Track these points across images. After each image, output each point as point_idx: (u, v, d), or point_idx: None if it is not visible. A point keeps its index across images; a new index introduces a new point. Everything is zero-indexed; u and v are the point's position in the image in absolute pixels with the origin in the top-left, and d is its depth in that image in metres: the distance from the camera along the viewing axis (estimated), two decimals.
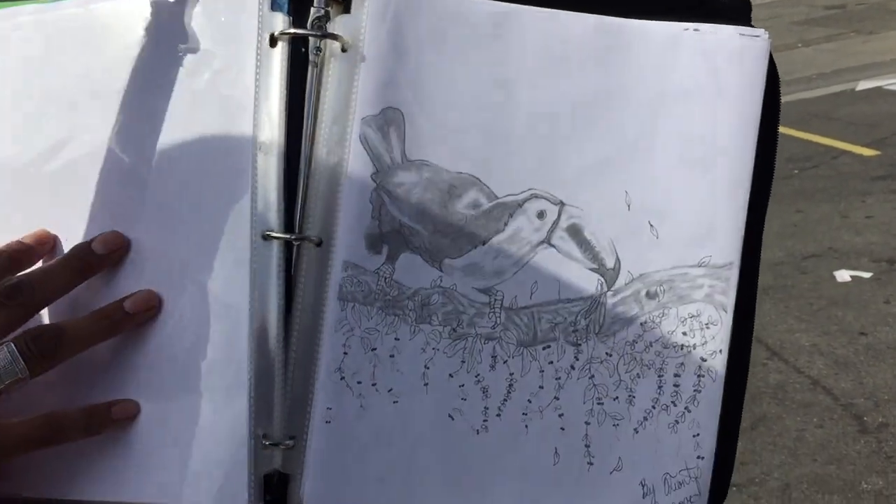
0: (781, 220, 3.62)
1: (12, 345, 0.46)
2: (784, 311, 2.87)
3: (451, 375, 0.52)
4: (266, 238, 0.50)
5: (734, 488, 1.98)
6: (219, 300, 0.50)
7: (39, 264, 0.51)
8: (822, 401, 2.37)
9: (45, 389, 0.50)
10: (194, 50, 0.51)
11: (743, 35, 0.51)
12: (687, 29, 0.52)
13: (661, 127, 0.51)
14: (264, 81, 0.51)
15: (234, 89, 0.51)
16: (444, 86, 0.51)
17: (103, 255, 0.50)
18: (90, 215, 0.52)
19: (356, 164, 0.50)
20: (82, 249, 0.50)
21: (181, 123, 0.51)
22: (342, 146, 0.50)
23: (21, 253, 0.50)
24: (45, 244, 0.51)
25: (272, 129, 0.50)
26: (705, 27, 0.52)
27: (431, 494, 0.51)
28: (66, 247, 0.52)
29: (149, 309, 0.50)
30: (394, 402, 0.51)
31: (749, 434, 2.20)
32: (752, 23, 0.53)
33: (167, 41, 0.51)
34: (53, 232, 0.52)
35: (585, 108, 0.52)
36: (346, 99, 0.51)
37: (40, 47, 0.53)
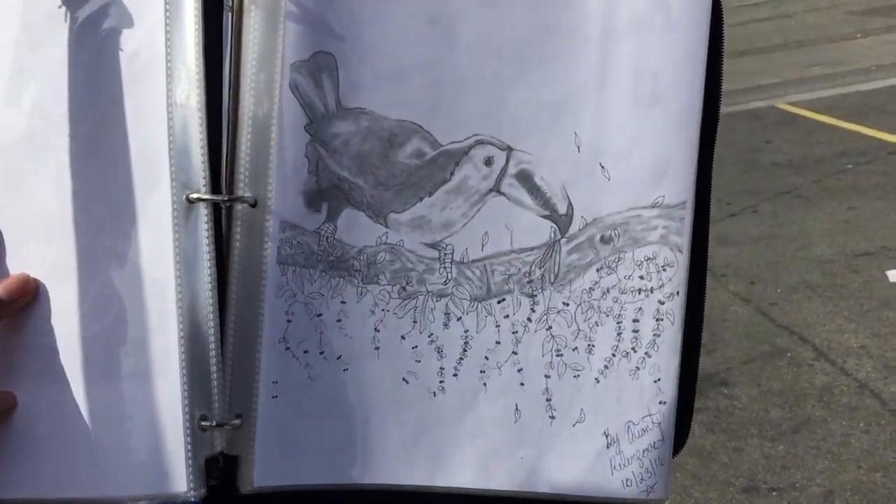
0: (833, 217, 3.54)
1: None
2: (833, 310, 2.78)
3: (402, 337, 0.49)
4: (191, 201, 0.45)
5: (775, 493, 1.96)
6: (141, 272, 0.45)
7: None
8: (870, 405, 2.28)
9: None
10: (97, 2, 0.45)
11: None
12: None
13: (611, 64, 0.49)
14: (176, 30, 0.45)
15: (141, 41, 0.45)
16: (378, 27, 0.47)
17: (9, 302, 0.44)
18: None
19: (288, 114, 0.46)
20: None
21: (89, 83, 0.45)
22: (270, 96, 0.46)
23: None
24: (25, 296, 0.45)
25: (189, 81, 0.45)
26: None
27: (391, 462, 0.49)
28: None
29: (24, 294, 0.45)
30: (344, 370, 0.48)
31: (792, 437, 2.17)
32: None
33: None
34: None
35: (531, 45, 0.49)
36: (271, 45, 0.46)
37: None
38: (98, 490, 0.44)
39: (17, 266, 0.45)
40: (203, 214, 0.45)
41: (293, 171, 0.46)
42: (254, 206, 0.46)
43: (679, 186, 0.49)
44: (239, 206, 0.46)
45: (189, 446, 0.45)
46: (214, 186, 0.46)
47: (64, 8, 0.45)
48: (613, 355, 0.49)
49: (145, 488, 0.44)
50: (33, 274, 0.45)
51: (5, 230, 0.45)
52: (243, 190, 0.46)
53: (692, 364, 0.51)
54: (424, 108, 0.48)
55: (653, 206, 0.49)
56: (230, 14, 0.47)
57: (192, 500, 0.45)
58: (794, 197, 3.87)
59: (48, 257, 0.45)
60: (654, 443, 0.49)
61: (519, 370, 0.49)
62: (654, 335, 0.49)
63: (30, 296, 0.44)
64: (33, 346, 0.45)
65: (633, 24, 0.49)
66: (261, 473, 0.47)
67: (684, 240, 0.49)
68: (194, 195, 0.45)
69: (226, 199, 0.46)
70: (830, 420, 2.27)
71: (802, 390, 2.38)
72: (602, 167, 0.49)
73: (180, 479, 0.45)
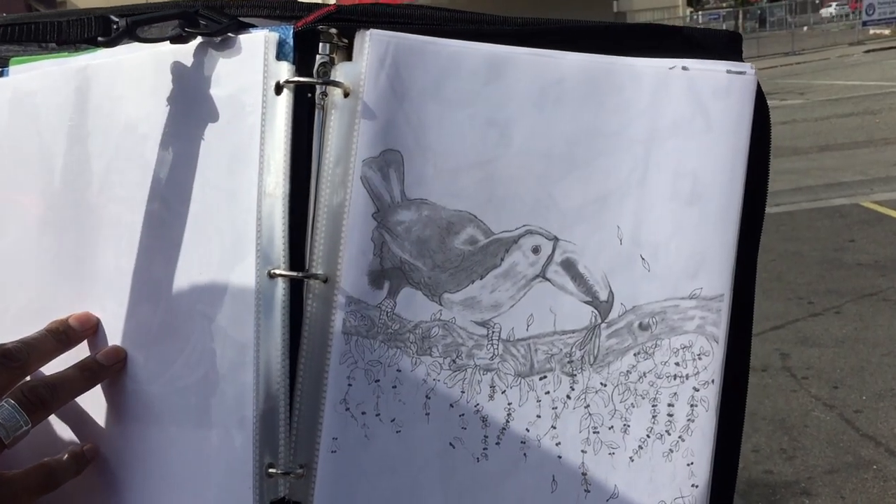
0: None
1: (11, 399, 0.50)
2: None
3: (451, 405, 0.53)
4: (272, 276, 0.52)
5: None
6: (227, 335, 0.52)
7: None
8: None
9: (46, 438, 0.54)
10: (205, 100, 0.54)
11: (730, 72, 0.53)
12: (675, 66, 0.53)
13: (652, 163, 0.53)
14: (269, 128, 0.53)
15: (241, 136, 0.53)
16: (442, 128, 0.53)
17: (80, 331, 0.55)
18: (115, 252, 0.55)
19: (358, 203, 0.53)
20: (62, 323, 0.55)
21: (195, 169, 0.54)
22: (345, 187, 0.53)
23: (67, 338, 0.55)
24: (89, 329, 0.56)
25: (277, 173, 0.53)
26: (693, 64, 0.53)
27: None
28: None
29: (118, 361, 0.54)
30: (397, 432, 0.53)
31: None
32: (743, 57, 0.55)
33: (181, 90, 0.54)
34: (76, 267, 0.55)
35: (579, 146, 0.53)
36: (347, 142, 0.53)
37: (69, 96, 0.57)
38: None
39: (131, 325, 0.54)
40: (281, 288, 0.53)
41: (360, 253, 0.53)
42: (325, 282, 0.53)
43: (716, 280, 0.52)
44: (313, 282, 0.53)
45: (258, 491, 0.51)
46: (296, 264, 0.53)
47: (187, 101, 0.54)
48: (648, 436, 0.52)
49: None
50: (142, 334, 0.54)
51: (123, 295, 0.54)
52: (317, 268, 0.53)
53: (732, 452, 0.53)
54: (479, 200, 0.53)
55: (690, 298, 0.52)
56: (321, 112, 0.54)
57: None
58: (880, 300, 3.69)
59: (155, 320, 0.54)
60: None
61: (557, 444, 0.53)
62: (689, 420, 0.52)
63: (122, 363, 0.54)
64: (137, 390, 0.54)
65: (674, 126, 0.53)
66: None
67: (721, 330, 0.52)
68: (275, 271, 0.52)
69: (300, 275, 0.53)
70: None
71: None
72: (642, 259, 0.53)
73: None
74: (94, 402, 0.55)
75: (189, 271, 0.54)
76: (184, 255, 0.54)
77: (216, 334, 0.53)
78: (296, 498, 0.53)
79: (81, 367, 0.54)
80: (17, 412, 0.49)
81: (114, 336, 0.55)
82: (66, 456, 0.53)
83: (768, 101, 0.54)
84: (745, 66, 0.53)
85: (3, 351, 0.51)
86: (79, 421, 0.55)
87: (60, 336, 0.54)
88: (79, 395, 0.54)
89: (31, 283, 0.57)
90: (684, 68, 0.53)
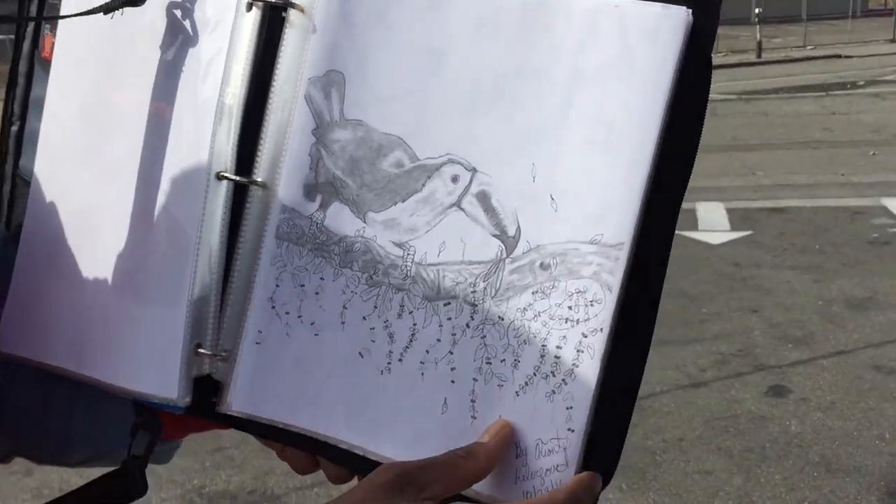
0: None
1: None
2: None
3: (364, 318, 0.57)
4: (219, 178, 0.58)
5: None
6: (178, 226, 0.59)
7: None
8: None
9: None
10: (191, 14, 0.60)
11: (662, 11, 0.50)
12: (608, 4, 0.51)
13: (573, 107, 0.52)
14: (236, 42, 0.58)
15: (214, 47, 0.59)
16: (382, 52, 0.56)
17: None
18: (121, 144, 0.63)
19: (300, 119, 0.57)
20: None
21: (179, 76, 0.60)
22: (291, 103, 0.57)
23: None
24: None
25: (235, 84, 0.58)
26: (626, 2, 0.51)
27: (334, 423, 0.57)
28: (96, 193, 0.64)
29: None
30: (315, 335, 0.58)
31: None
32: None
33: (174, 6, 0.60)
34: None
35: (506, 81, 0.53)
36: (298, 61, 0.57)
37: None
38: (108, 377, 0.59)
39: (123, 208, 0.61)
40: (225, 189, 0.58)
41: (298, 166, 0.57)
42: (265, 188, 0.57)
43: (618, 228, 0.50)
44: (254, 188, 0.58)
45: (184, 364, 0.58)
46: (244, 171, 0.58)
47: (176, 19, 0.60)
48: (535, 374, 0.53)
49: (144, 387, 0.58)
50: (132, 215, 0.61)
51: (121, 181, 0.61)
52: (259, 175, 0.58)
53: (621, 406, 0.52)
54: (409, 127, 0.55)
55: (591, 243, 0.51)
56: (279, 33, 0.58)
57: (179, 406, 0.58)
58: None
59: (139, 205, 0.61)
60: (558, 465, 0.52)
61: (452, 369, 0.55)
62: (573, 365, 0.51)
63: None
64: (118, 266, 0.62)
65: (598, 69, 0.51)
66: (235, 400, 0.58)
67: (616, 279, 0.50)
68: (223, 173, 0.58)
69: (244, 180, 0.58)
70: None
71: None
72: (552, 199, 0.52)
73: (172, 386, 0.58)
74: (87, 266, 0.63)
75: (164, 166, 0.60)
76: (167, 152, 0.60)
77: (170, 223, 0.59)
78: (218, 377, 0.59)
79: None
80: None
81: (116, 217, 0.63)
82: None
83: None
84: (682, 9, 0.50)
85: None
86: (69, 274, 0.64)
87: None
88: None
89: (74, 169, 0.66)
90: (616, 6, 0.51)
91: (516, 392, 0.53)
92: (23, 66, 0.68)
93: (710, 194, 6.37)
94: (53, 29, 0.65)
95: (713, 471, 2.96)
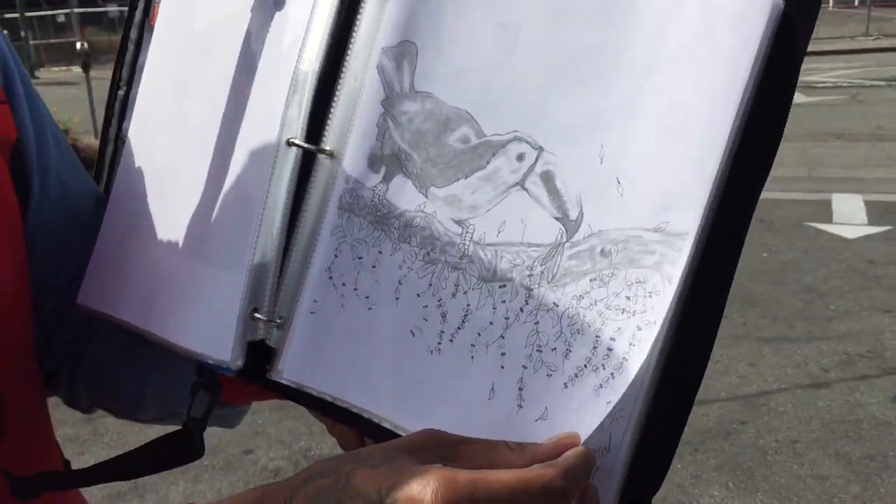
0: None
1: None
2: None
3: (418, 295, 0.55)
4: (289, 144, 0.58)
5: None
6: (245, 189, 0.59)
7: None
8: None
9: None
10: None
11: None
12: None
13: (648, 90, 0.49)
14: (317, 8, 0.58)
15: (296, 14, 0.59)
16: (458, 25, 0.54)
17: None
18: (203, 109, 0.64)
19: (371, 89, 0.56)
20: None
21: (264, 43, 0.60)
22: (364, 72, 0.56)
23: None
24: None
25: (311, 51, 0.58)
26: None
27: (381, 398, 0.56)
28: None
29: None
30: (369, 308, 0.57)
31: None
32: None
33: None
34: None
35: (579, 62, 0.51)
36: (374, 30, 0.56)
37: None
38: (168, 334, 0.60)
39: (201, 172, 0.62)
40: (294, 155, 0.58)
41: (364, 136, 0.56)
42: (331, 157, 0.57)
43: (684, 217, 0.47)
44: (321, 156, 0.57)
45: (240, 327, 0.58)
46: (314, 138, 0.58)
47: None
48: (585, 366, 0.50)
49: (199, 346, 0.59)
50: (196, 176, 0.62)
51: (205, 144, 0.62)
52: (327, 143, 0.57)
53: (678, 407, 0.49)
54: (478, 102, 0.54)
55: (655, 231, 0.48)
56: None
57: (231, 368, 0.58)
58: None
59: (215, 168, 0.62)
60: (599, 466, 0.49)
61: (502, 354, 0.53)
62: (623, 359, 0.48)
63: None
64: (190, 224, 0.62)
65: (677, 52, 0.48)
66: (287, 368, 0.58)
67: (677, 271, 0.47)
68: (293, 139, 0.58)
69: (312, 147, 0.57)
70: None
71: None
72: (618, 183, 0.49)
73: (226, 348, 0.58)
74: (162, 227, 0.64)
75: (239, 132, 0.61)
76: (244, 118, 0.61)
77: (239, 188, 0.60)
78: (272, 344, 0.59)
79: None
80: None
81: (191, 181, 0.64)
82: None
83: None
84: None
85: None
86: (146, 233, 0.65)
87: None
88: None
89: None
90: None
91: (565, 384, 0.51)
92: (133, 34, 0.69)
93: (847, 185, 5.99)
94: None
95: (828, 476, 2.78)
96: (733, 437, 3.05)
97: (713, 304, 0.48)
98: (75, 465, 0.69)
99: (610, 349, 0.49)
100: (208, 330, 0.59)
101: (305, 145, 0.58)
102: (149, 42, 0.69)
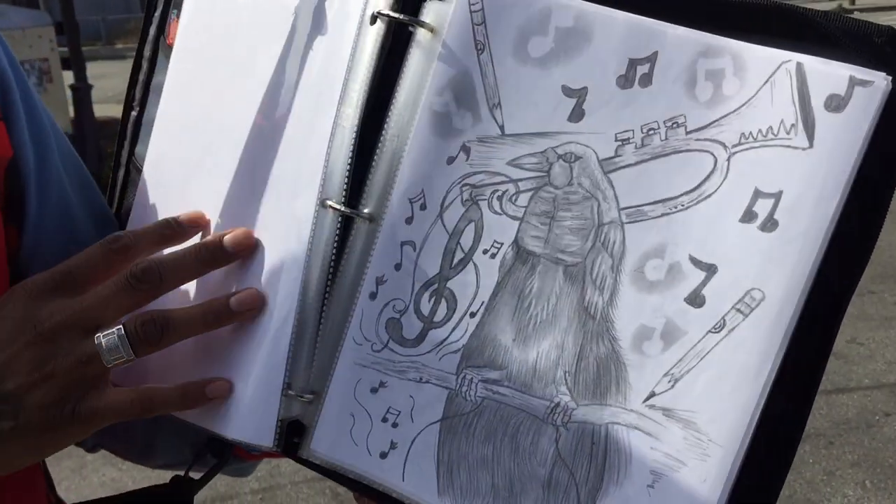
0: None
1: (122, 328, 0.49)
2: None
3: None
4: (325, 206, 0.53)
5: None
6: (282, 254, 0.54)
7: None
8: None
9: None
10: (313, 19, 0.54)
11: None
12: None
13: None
14: (358, 58, 0.52)
15: (333, 62, 0.53)
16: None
17: (232, 252, 0.54)
18: (229, 155, 0.58)
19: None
20: (214, 243, 0.54)
21: (295, 89, 0.55)
22: (408, 129, 0.51)
23: (174, 232, 0.55)
24: (198, 227, 0.56)
25: (351, 105, 0.52)
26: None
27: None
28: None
29: (251, 309, 0.53)
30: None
31: None
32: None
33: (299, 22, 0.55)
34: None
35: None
36: (420, 85, 0.50)
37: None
38: (216, 426, 0.55)
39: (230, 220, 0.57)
40: (331, 219, 0.53)
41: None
42: (370, 221, 0.52)
43: None
44: (359, 220, 0.52)
45: (280, 408, 0.54)
46: (355, 199, 0.53)
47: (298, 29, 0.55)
48: None
49: (244, 435, 0.54)
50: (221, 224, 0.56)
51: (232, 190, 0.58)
52: (366, 205, 0.52)
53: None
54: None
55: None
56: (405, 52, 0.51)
57: (263, 447, 0.54)
58: None
59: (248, 217, 0.56)
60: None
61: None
62: None
63: (255, 311, 0.53)
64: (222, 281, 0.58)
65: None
66: (317, 445, 0.54)
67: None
68: (329, 202, 0.53)
69: (348, 211, 0.52)
70: None
71: None
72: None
73: (269, 434, 0.54)
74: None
75: (268, 184, 0.55)
76: (273, 169, 0.55)
77: (273, 250, 0.55)
78: (305, 421, 0.55)
79: (207, 308, 0.53)
80: (122, 344, 0.49)
81: (216, 228, 0.58)
82: (171, 388, 0.53)
83: None
84: (877, 76, 0.38)
85: (137, 272, 0.50)
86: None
87: (208, 256, 0.53)
88: (195, 335, 0.53)
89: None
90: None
91: None
92: (147, 51, 0.64)
93: None
94: (180, 15, 0.62)
95: None
96: (875, 431, 2.82)
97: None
98: (74, 481, 0.68)
99: None
100: (246, 415, 0.54)
101: (340, 208, 0.52)
102: (165, 62, 0.63)
